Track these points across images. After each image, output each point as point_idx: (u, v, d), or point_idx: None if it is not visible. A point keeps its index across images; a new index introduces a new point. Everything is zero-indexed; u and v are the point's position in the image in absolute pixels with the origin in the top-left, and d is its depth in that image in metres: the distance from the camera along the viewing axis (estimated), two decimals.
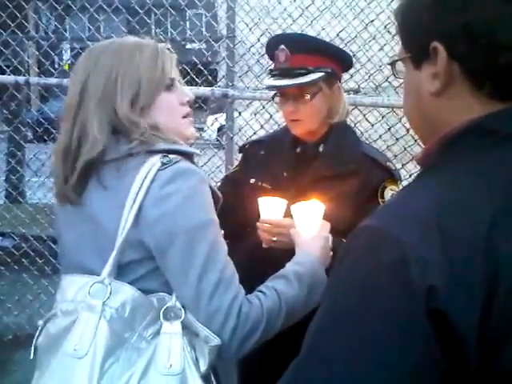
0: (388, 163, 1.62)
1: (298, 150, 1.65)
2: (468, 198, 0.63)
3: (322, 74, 1.53)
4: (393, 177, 1.59)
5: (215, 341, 1.02)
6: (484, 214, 0.61)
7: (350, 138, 1.68)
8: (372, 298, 0.61)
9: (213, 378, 1.09)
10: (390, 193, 1.54)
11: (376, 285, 0.61)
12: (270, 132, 1.98)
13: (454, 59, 0.69)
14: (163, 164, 1.06)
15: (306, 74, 1.53)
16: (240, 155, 1.87)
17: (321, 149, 1.62)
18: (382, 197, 1.54)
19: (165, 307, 1.05)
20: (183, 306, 1.06)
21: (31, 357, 1.12)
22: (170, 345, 1.03)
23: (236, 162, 2.01)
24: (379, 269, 0.61)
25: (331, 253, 1.31)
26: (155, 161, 1.07)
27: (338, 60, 1.59)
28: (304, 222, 1.36)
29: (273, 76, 1.59)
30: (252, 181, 1.69)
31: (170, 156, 1.08)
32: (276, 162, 1.66)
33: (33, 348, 1.13)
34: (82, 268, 1.11)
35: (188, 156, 1.15)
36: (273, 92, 1.71)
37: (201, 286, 1.03)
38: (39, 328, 1.13)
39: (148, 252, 1.07)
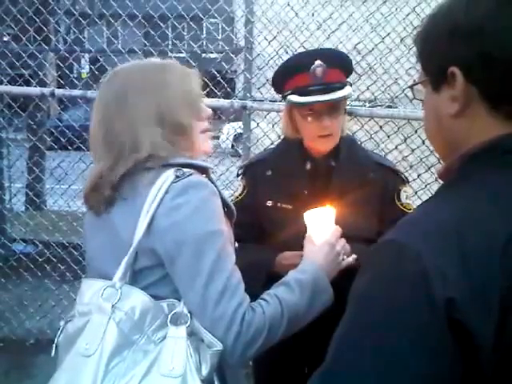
0: (396, 168, 1.71)
1: (308, 166, 1.64)
2: (484, 215, 0.67)
3: (351, 87, 1.56)
4: (403, 179, 1.68)
5: (217, 346, 1.06)
6: (499, 229, 0.64)
7: (359, 150, 1.72)
8: (394, 310, 0.64)
9: (217, 383, 1.12)
10: (404, 194, 1.65)
11: (397, 297, 0.64)
12: (267, 150, 1.90)
13: (471, 83, 0.72)
14: (177, 177, 1.12)
15: (342, 88, 1.53)
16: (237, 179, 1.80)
17: (333, 163, 1.63)
18: (399, 199, 1.64)
19: (173, 312, 1.09)
20: (190, 312, 1.10)
21: (52, 354, 1.19)
22: (175, 348, 1.07)
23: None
24: (400, 282, 0.65)
25: (341, 258, 1.35)
26: (169, 174, 1.12)
27: (349, 74, 1.62)
28: (316, 228, 1.40)
29: (306, 93, 1.52)
30: (269, 203, 1.65)
31: (183, 170, 1.14)
32: (290, 181, 1.63)
33: (54, 346, 1.19)
34: (102, 274, 1.17)
35: (202, 170, 1.21)
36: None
37: (207, 293, 1.07)
38: (60, 328, 1.20)
39: (159, 259, 1.12)
